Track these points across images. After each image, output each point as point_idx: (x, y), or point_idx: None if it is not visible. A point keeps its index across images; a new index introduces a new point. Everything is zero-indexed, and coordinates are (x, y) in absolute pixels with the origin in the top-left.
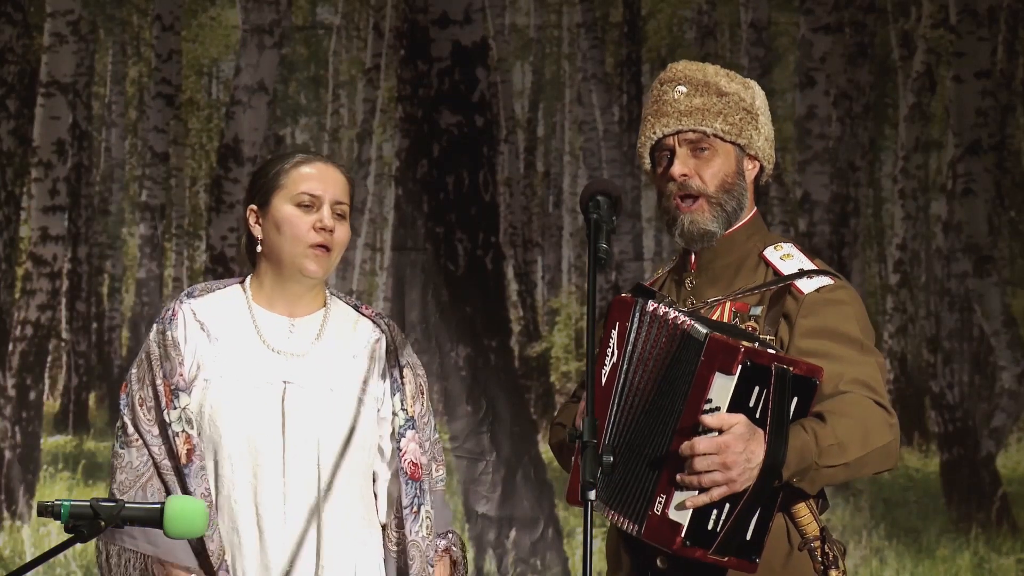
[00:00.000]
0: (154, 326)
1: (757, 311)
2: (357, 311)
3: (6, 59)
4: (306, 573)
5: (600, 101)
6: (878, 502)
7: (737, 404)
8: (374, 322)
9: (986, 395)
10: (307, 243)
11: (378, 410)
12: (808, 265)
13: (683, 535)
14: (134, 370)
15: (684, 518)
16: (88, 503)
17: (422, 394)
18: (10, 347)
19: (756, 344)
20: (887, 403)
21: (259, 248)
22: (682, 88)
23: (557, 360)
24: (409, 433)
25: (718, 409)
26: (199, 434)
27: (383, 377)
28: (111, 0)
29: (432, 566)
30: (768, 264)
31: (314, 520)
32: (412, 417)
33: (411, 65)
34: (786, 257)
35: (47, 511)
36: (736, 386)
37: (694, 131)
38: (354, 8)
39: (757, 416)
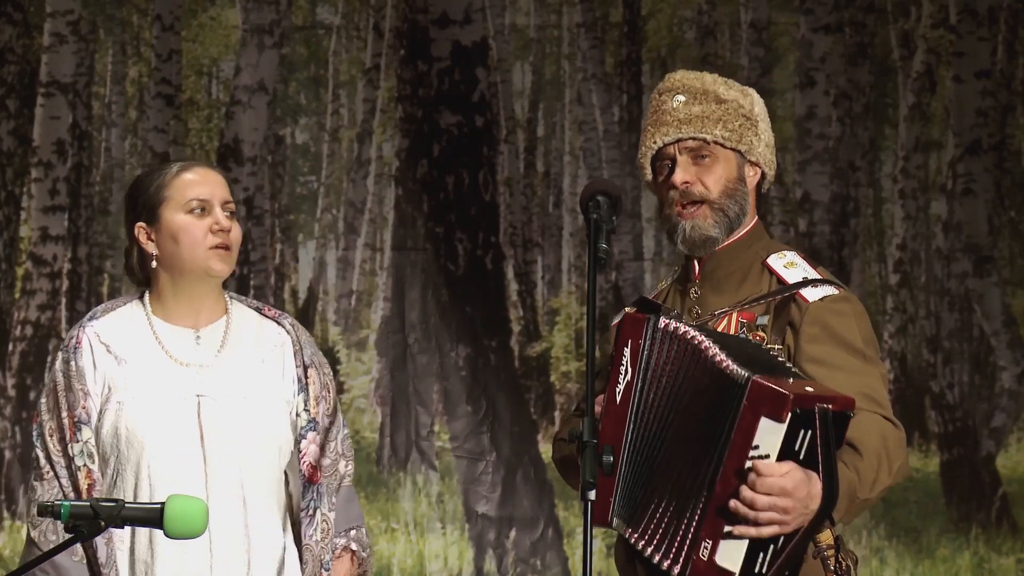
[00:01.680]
0: (59, 355)
1: (763, 320)
2: (259, 313)
3: (6, 59)
4: None
5: (600, 101)
6: (878, 502)
7: (786, 449)
8: (278, 323)
9: (986, 395)
10: (207, 246)
11: (290, 412)
12: (812, 274)
13: None
14: (43, 400)
15: (735, 565)
16: (88, 503)
17: (328, 392)
18: (10, 347)
19: (791, 379)
20: (892, 415)
21: (154, 264)
22: (681, 97)
23: (557, 360)
24: (310, 435)
25: (767, 456)
26: (116, 457)
27: (290, 379)
28: (111, 0)
29: (327, 569)
30: (772, 272)
31: (242, 530)
32: (314, 419)
33: (411, 65)
34: (790, 265)
35: (47, 511)
36: (786, 433)
37: (694, 139)
38: (354, 8)
39: (802, 458)
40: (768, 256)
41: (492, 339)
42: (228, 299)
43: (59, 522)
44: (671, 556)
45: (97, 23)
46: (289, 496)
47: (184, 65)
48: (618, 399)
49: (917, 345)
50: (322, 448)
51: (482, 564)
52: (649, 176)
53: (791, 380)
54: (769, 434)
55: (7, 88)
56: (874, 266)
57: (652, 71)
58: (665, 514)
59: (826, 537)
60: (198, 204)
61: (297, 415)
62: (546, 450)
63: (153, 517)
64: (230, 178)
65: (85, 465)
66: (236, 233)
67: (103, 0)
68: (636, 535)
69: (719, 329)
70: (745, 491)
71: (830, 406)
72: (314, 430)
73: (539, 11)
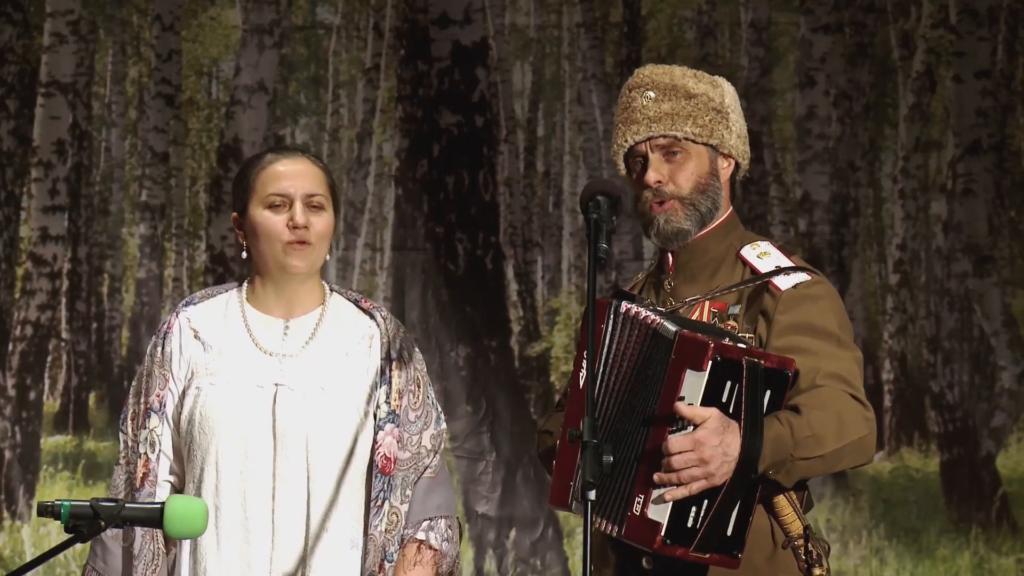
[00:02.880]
0: (152, 339)
1: (736, 310)
2: (357, 305)
3: (6, 59)
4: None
5: (600, 101)
6: (878, 502)
7: (710, 400)
8: (370, 315)
9: (986, 395)
10: (283, 241)
11: (372, 406)
12: (785, 262)
13: (663, 534)
14: (134, 383)
15: (663, 516)
16: (88, 503)
17: (418, 387)
18: (10, 347)
19: (727, 340)
20: (863, 397)
21: (244, 255)
22: (650, 93)
23: (557, 360)
24: (388, 427)
25: (691, 405)
26: (191, 442)
27: (374, 371)
28: (111, 0)
29: (390, 561)
30: (745, 263)
31: (303, 522)
32: (394, 411)
33: (411, 65)
34: (763, 255)
35: (47, 511)
36: (708, 382)
37: (665, 136)
38: (354, 8)
39: (731, 411)
40: (742, 247)
41: (492, 339)
42: (327, 290)
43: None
44: (613, 518)
45: (97, 23)
46: None
47: (184, 65)
48: (581, 384)
49: (917, 345)
50: (400, 441)
51: (482, 564)
52: (623, 171)
53: (726, 340)
54: (693, 385)
55: (7, 88)
56: (874, 266)
57: None
58: (609, 482)
59: (796, 527)
60: (278, 199)
61: (377, 407)
62: None
63: (153, 517)
64: (230, 178)
65: (145, 453)
66: (319, 226)
67: (103, 0)
68: (602, 519)
69: (691, 317)
70: (661, 444)
71: (762, 361)
72: (393, 422)
73: (539, 11)
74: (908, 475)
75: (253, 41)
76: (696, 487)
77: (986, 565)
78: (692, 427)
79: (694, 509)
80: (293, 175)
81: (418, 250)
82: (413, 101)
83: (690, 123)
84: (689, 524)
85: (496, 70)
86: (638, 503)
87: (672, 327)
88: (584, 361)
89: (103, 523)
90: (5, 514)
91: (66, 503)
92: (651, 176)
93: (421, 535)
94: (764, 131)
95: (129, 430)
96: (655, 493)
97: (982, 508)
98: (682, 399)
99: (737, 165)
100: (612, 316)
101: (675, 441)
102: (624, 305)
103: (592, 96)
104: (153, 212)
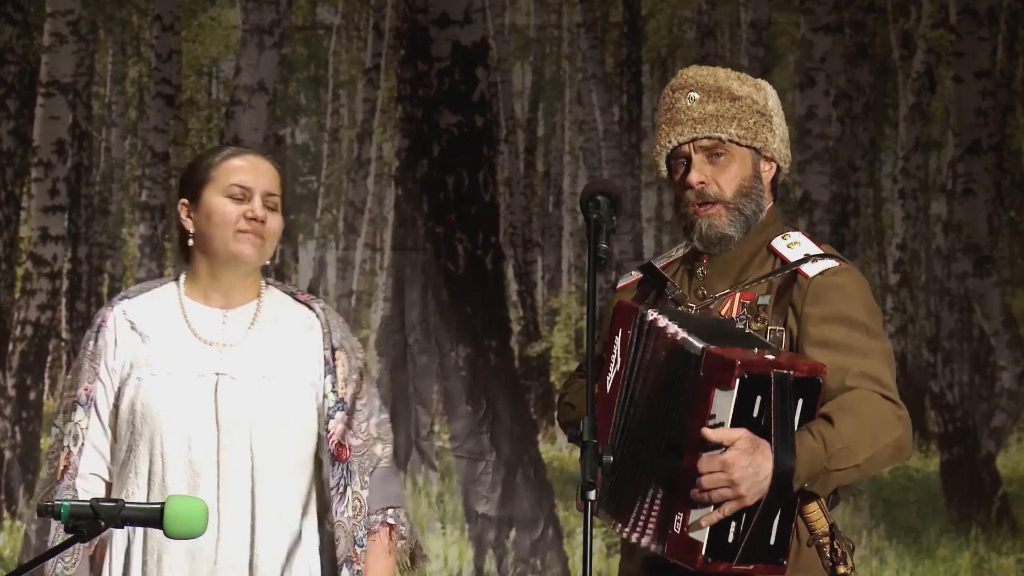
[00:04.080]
0: (87, 333)
1: (765, 300)
2: (293, 298)
3: (6, 59)
4: (239, 565)
5: (600, 101)
6: (878, 502)
7: (740, 417)
8: (309, 307)
9: (986, 395)
10: (236, 229)
11: (317, 395)
12: (814, 250)
13: (703, 552)
14: (67, 377)
15: (702, 536)
16: (88, 503)
17: (361, 376)
18: (10, 347)
19: (755, 349)
20: (895, 395)
21: (191, 242)
22: (694, 95)
23: (557, 360)
24: (338, 415)
25: (722, 424)
26: (131, 433)
27: (317, 361)
28: (111, 0)
29: (361, 545)
30: (776, 254)
31: (248, 511)
32: (342, 399)
33: (411, 65)
34: (793, 245)
35: (47, 511)
36: (737, 400)
37: (709, 138)
38: (354, 8)
39: (762, 424)
40: (773, 239)
41: (492, 339)
42: (263, 283)
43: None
44: (653, 535)
45: (97, 23)
46: (322, 482)
47: (184, 65)
48: (608, 387)
49: (917, 345)
50: (351, 428)
51: (482, 564)
52: (664, 173)
53: (755, 350)
54: (723, 402)
55: (7, 88)
56: (874, 266)
57: (652, 71)
58: (643, 496)
59: (821, 525)
60: (239, 190)
61: (324, 396)
62: (546, 450)
63: (153, 517)
64: None
65: (68, 446)
66: (273, 225)
67: (103, 0)
68: (625, 526)
69: (722, 311)
70: (691, 466)
71: (791, 371)
72: (342, 410)
73: (539, 11)
74: (908, 475)
75: (253, 41)
76: (728, 508)
77: (986, 565)
78: (723, 448)
79: (733, 524)
80: (256, 171)
81: (418, 250)
82: (413, 101)
83: (734, 125)
84: (729, 540)
85: (496, 70)
86: (678, 522)
87: (699, 344)
88: (610, 364)
89: (103, 523)
90: (5, 514)
91: (66, 503)
92: (694, 177)
93: (391, 520)
94: None
95: (60, 424)
96: (693, 513)
97: (982, 508)
98: (713, 417)
99: (778, 168)
100: (637, 324)
101: (705, 462)
102: (651, 314)
103: (592, 96)
104: (153, 212)
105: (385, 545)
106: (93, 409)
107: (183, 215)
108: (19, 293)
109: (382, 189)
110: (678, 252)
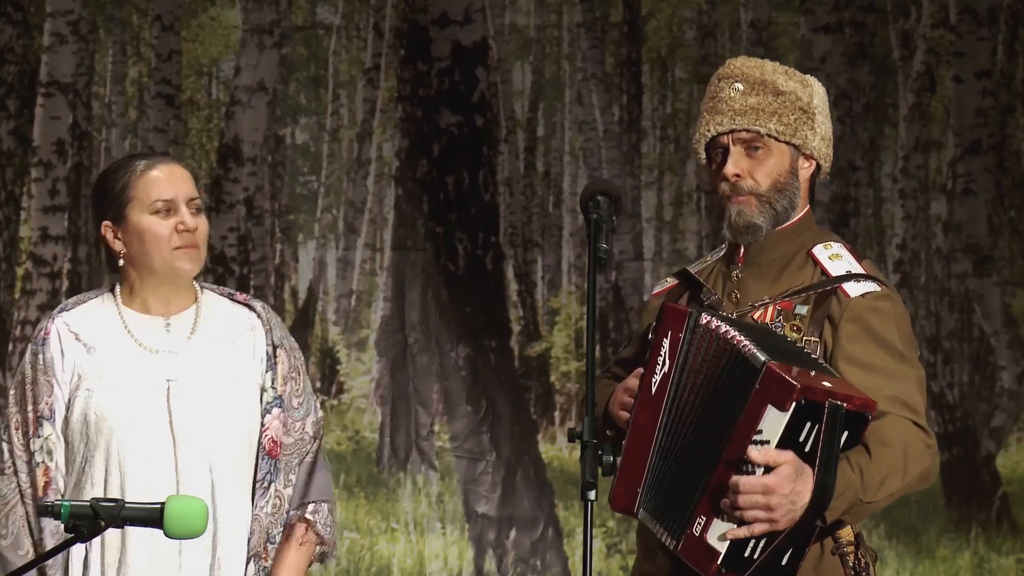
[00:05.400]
0: (28, 347)
1: (803, 310)
2: (231, 299)
3: (6, 59)
4: (200, 570)
5: (600, 101)
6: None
7: (787, 438)
8: (248, 307)
9: (986, 395)
10: (173, 246)
11: (259, 392)
12: (857, 268)
13: (719, 562)
14: (12, 392)
15: (722, 547)
16: (88, 503)
17: (299, 375)
18: (10, 347)
19: (813, 372)
20: (924, 423)
21: (121, 262)
22: (739, 85)
23: (557, 360)
24: (275, 411)
25: (767, 443)
26: (85, 444)
27: (259, 359)
28: (111, 0)
29: (273, 543)
30: (816, 263)
31: (210, 511)
32: (280, 396)
33: (411, 65)
34: (835, 257)
35: (47, 511)
36: (788, 423)
37: (748, 130)
38: (354, 8)
39: (807, 450)
40: (813, 246)
41: (492, 339)
42: (199, 288)
43: (27, 536)
44: (671, 530)
45: (97, 23)
46: None
47: (184, 65)
48: (653, 389)
49: (917, 345)
50: (285, 426)
51: (482, 564)
52: (703, 160)
53: (813, 372)
54: (774, 421)
55: (7, 88)
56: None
57: (652, 71)
58: (674, 494)
59: (846, 533)
60: (163, 205)
61: (263, 391)
62: (546, 450)
63: (153, 517)
64: (230, 178)
65: (43, 462)
66: (203, 229)
67: (103, 0)
68: (655, 521)
69: (755, 315)
70: (731, 481)
71: (844, 404)
72: (279, 407)
73: (539, 11)
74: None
75: (253, 41)
76: (758, 529)
77: (986, 565)
78: (765, 468)
79: (754, 541)
80: (173, 180)
81: (418, 250)
82: (413, 101)
83: (775, 120)
84: (747, 554)
85: (496, 70)
86: (698, 524)
87: (761, 356)
88: (657, 366)
89: (103, 523)
90: None
91: (66, 503)
92: (730, 168)
93: (309, 516)
94: None
95: (15, 439)
96: (717, 523)
97: (982, 508)
98: (759, 433)
99: (818, 167)
100: (691, 326)
101: (746, 482)
102: (704, 317)
103: (592, 96)
104: None
105: (299, 538)
106: (55, 423)
107: (109, 237)
108: (19, 293)
109: (382, 189)
110: (713, 257)
